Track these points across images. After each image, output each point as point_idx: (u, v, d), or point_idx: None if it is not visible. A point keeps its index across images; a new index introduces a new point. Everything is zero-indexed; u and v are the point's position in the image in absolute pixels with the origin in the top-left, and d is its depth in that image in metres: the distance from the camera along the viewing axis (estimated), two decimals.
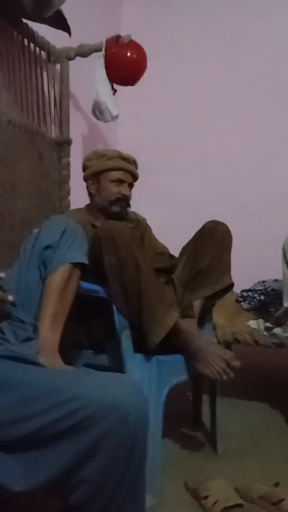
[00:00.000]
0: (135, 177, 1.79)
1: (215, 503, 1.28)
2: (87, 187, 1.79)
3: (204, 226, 1.66)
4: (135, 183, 1.82)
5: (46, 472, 0.74)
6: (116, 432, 0.73)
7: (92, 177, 1.76)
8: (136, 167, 1.79)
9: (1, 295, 0.95)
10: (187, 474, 1.46)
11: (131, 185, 1.78)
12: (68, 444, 0.74)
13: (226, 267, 1.62)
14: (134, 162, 1.78)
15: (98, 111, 2.20)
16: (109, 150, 1.80)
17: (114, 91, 2.23)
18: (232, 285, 1.63)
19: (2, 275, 0.94)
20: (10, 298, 0.95)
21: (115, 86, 2.25)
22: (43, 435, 0.75)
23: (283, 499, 1.29)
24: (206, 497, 1.31)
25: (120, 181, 1.73)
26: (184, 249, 1.70)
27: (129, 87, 2.30)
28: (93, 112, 2.25)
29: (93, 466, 0.73)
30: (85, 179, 1.79)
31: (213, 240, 1.60)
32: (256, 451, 1.65)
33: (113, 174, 1.72)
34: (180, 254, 1.71)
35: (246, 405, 2.06)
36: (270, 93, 2.80)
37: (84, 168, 1.79)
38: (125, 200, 1.74)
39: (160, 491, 1.33)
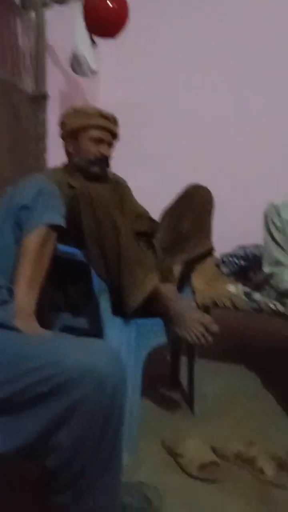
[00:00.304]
0: (115, 137, 1.72)
1: (191, 460, 1.31)
2: (65, 146, 1.71)
3: (186, 189, 1.63)
4: (115, 143, 1.75)
5: (22, 436, 0.74)
6: (92, 398, 0.72)
7: (70, 135, 1.68)
8: (117, 126, 1.72)
9: None
10: (164, 433, 1.48)
11: (111, 145, 1.71)
12: (44, 409, 0.74)
13: (207, 231, 1.60)
14: (114, 121, 1.70)
15: (77, 64, 2.10)
16: (88, 107, 1.72)
17: (94, 43, 2.12)
18: (212, 249, 1.62)
19: None
20: None
21: (96, 39, 2.13)
22: (18, 400, 0.74)
23: (256, 458, 1.33)
24: (182, 455, 1.34)
25: (99, 140, 1.65)
26: (165, 213, 1.67)
27: (112, 42, 2.18)
28: (72, 66, 2.14)
29: (69, 432, 0.73)
30: (63, 137, 1.71)
31: (194, 204, 1.57)
32: (231, 411, 1.69)
33: (93, 133, 1.64)
34: (161, 217, 1.68)
35: (223, 367, 2.09)
36: (261, 54, 2.71)
37: (62, 125, 1.70)
38: (104, 161, 1.68)
39: (137, 450, 1.35)
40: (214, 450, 1.39)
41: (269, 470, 1.30)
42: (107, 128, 1.66)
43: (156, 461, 1.36)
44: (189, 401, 1.71)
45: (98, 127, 1.64)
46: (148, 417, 1.57)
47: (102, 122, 1.65)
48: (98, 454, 0.76)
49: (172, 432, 1.49)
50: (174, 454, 1.36)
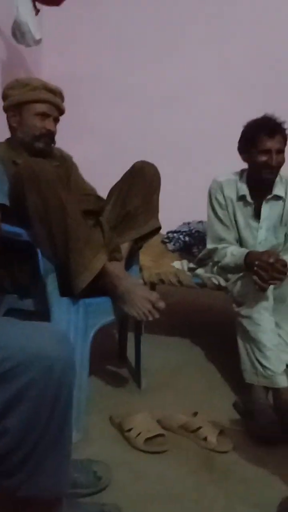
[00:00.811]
0: (61, 111, 1.67)
1: (138, 434, 1.36)
2: (8, 119, 1.64)
3: (133, 166, 1.62)
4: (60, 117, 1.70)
5: None
6: (40, 383, 0.72)
7: (14, 108, 1.61)
8: (63, 100, 1.67)
9: None
10: (112, 409, 1.52)
11: (56, 120, 1.66)
12: None
13: (154, 209, 1.61)
14: (60, 95, 1.66)
15: (19, 33, 1.99)
16: (33, 79, 1.65)
17: (37, 10, 2.02)
18: (159, 227, 1.63)
19: None
20: None
21: (38, 5, 2.03)
22: None
23: (200, 427, 1.40)
24: (130, 430, 1.38)
25: (45, 115, 1.60)
26: (112, 191, 1.66)
27: (55, 9, 2.08)
28: (13, 34, 2.03)
29: (16, 416, 0.73)
30: (5, 109, 1.64)
31: (141, 182, 1.57)
32: (176, 384, 1.76)
33: (38, 107, 1.59)
34: (108, 195, 1.67)
35: (170, 341, 2.16)
36: (206, 25, 2.71)
37: (4, 97, 1.63)
38: (50, 136, 1.63)
39: (86, 427, 1.38)
40: (160, 422, 1.45)
41: (212, 438, 1.37)
42: (52, 102, 1.61)
43: (104, 437, 1.39)
44: (136, 375, 1.75)
45: (44, 101, 1.59)
46: (96, 394, 1.59)
47: (48, 96, 1.60)
48: (46, 437, 0.76)
49: (120, 407, 1.53)
50: (122, 429, 1.40)
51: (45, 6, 2.07)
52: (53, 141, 1.67)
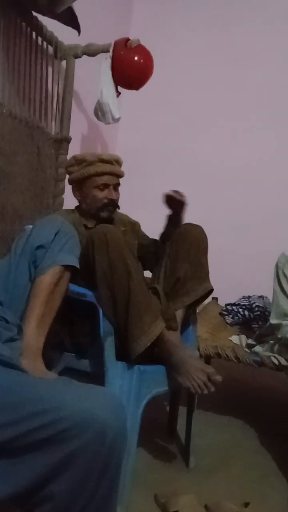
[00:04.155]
0: (120, 177, 1.71)
1: None
2: (73, 193, 1.72)
3: (178, 231, 1.63)
4: (124, 182, 1.72)
5: (15, 483, 0.71)
6: (91, 449, 0.70)
7: (75, 184, 1.69)
8: (120, 165, 1.72)
9: None
10: (156, 485, 1.44)
11: (117, 186, 1.71)
12: (40, 456, 0.71)
13: (204, 272, 1.59)
14: (117, 162, 1.70)
15: (100, 112, 2.18)
16: (88, 154, 1.69)
17: (118, 93, 2.22)
18: (211, 290, 1.61)
19: None
20: None
21: (120, 88, 2.23)
22: (15, 445, 0.72)
23: None
24: None
25: (105, 185, 1.66)
26: (162, 258, 1.65)
27: (134, 91, 2.28)
28: (95, 113, 2.23)
29: (64, 482, 0.70)
30: (70, 183, 1.73)
31: (188, 246, 1.57)
32: (227, 468, 1.64)
33: (97, 180, 1.64)
34: (160, 263, 1.66)
35: (222, 420, 2.05)
36: (270, 110, 2.83)
37: (68, 174, 1.73)
38: (112, 204, 1.68)
39: (128, 502, 1.31)
40: (207, 508, 1.35)
41: None
42: (110, 172, 1.65)
43: None
44: (185, 453, 1.67)
45: (101, 174, 1.64)
46: (142, 467, 1.53)
47: (104, 167, 1.64)
48: (90, 507, 0.73)
49: (166, 485, 1.45)
50: (165, 510, 1.32)
51: (126, 90, 2.27)
52: (116, 207, 1.71)
